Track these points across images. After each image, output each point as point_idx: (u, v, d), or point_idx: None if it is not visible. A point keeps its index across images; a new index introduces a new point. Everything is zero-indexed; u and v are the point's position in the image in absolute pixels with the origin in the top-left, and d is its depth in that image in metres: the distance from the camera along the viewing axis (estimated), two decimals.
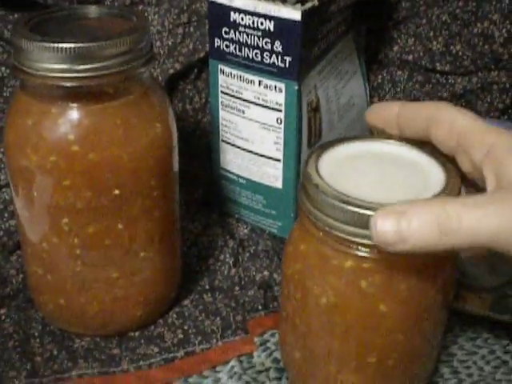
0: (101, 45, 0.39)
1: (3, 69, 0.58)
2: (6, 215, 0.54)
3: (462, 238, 0.31)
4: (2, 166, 0.56)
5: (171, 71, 0.57)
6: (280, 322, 0.42)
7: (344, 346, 0.37)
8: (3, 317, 0.48)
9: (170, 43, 0.57)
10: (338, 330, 0.37)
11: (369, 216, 0.33)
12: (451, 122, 0.36)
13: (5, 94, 0.58)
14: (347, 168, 0.37)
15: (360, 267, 0.35)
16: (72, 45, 0.38)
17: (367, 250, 0.35)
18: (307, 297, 0.37)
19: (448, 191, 0.35)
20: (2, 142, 0.54)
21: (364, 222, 0.33)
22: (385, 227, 0.32)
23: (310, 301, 0.37)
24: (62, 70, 0.39)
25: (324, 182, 0.35)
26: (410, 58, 0.62)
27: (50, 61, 0.39)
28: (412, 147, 0.39)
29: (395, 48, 0.63)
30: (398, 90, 0.63)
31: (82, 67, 0.39)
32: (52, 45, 0.38)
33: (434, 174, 0.37)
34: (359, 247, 0.35)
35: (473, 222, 0.31)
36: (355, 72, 0.60)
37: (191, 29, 0.57)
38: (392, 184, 0.36)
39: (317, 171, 0.36)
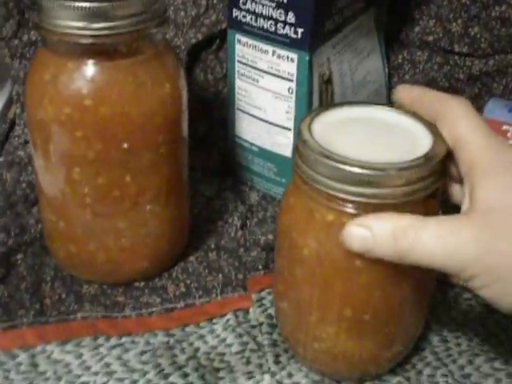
0: (116, 5, 0.41)
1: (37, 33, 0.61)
2: (29, 168, 0.57)
3: (416, 257, 0.34)
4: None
5: (193, 41, 0.59)
6: (274, 273, 0.44)
7: (323, 297, 0.39)
8: (19, 261, 0.51)
9: (193, 14, 0.59)
10: (318, 281, 0.39)
11: (349, 172, 0.35)
12: (452, 124, 0.37)
13: None
14: (339, 129, 0.39)
15: (340, 221, 0.37)
16: (88, 4, 0.41)
17: (348, 205, 0.36)
18: (293, 248, 0.39)
19: (432, 154, 0.36)
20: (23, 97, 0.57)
21: (346, 178, 0.35)
22: (353, 239, 0.36)
23: (295, 252, 0.39)
24: (79, 28, 0.41)
25: (313, 138, 0.37)
26: (431, 38, 0.63)
27: (68, 18, 0.41)
28: (404, 113, 0.40)
29: (416, 29, 0.63)
30: (417, 70, 0.64)
31: (97, 25, 0.41)
32: (70, 3, 0.41)
33: (422, 139, 0.38)
34: (340, 202, 0.36)
35: (427, 245, 0.34)
36: (373, 50, 0.61)
37: (214, 0, 0.59)
38: (380, 145, 0.38)
39: (309, 129, 0.38)
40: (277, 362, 0.45)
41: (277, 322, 0.46)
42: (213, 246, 0.54)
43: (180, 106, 0.46)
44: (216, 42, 0.61)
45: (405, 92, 0.41)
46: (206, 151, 0.61)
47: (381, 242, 0.35)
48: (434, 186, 0.37)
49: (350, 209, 0.37)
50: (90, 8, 0.41)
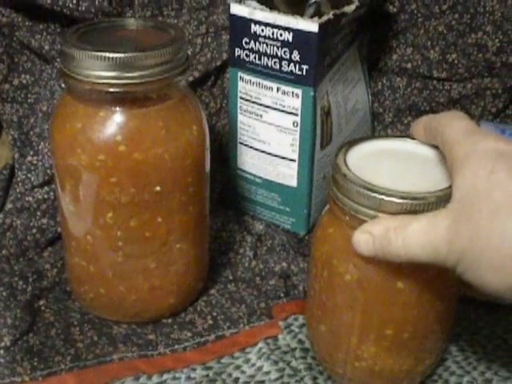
0: (146, 54, 0.43)
1: (28, 76, 0.61)
2: (38, 214, 0.57)
3: (410, 254, 0.37)
4: (32, 167, 0.59)
5: (190, 79, 0.61)
6: (308, 299, 0.46)
7: (364, 319, 0.42)
8: (43, 307, 0.52)
9: (189, 53, 0.61)
10: (359, 305, 0.42)
11: (389, 201, 0.38)
12: (441, 133, 0.40)
13: (29, 101, 0.62)
14: (371, 161, 0.42)
15: None
16: (121, 54, 0.42)
17: None
18: (333, 275, 0.42)
19: None
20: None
21: (384, 207, 0.38)
22: (359, 244, 0.39)
23: (335, 278, 0.42)
24: (110, 77, 0.43)
25: (351, 172, 0.40)
26: (409, 65, 0.67)
27: (100, 69, 0.43)
28: (427, 145, 0.43)
29: (394, 57, 0.67)
30: (398, 95, 0.68)
31: (128, 75, 0.43)
32: (102, 54, 0.42)
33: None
34: None
35: (415, 241, 0.37)
36: (359, 79, 0.65)
37: (209, 39, 0.61)
38: (412, 176, 0.41)
39: (345, 163, 0.41)
40: None
41: (311, 345, 0.48)
42: (230, 278, 0.55)
43: (205, 146, 0.48)
44: (211, 79, 0.63)
45: (416, 125, 0.44)
46: None
47: (379, 243, 0.38)
48: None
49: None
50: (122, 58, 0.42)
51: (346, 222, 0.41)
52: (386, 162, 0.42)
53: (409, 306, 0.41)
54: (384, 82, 0.69)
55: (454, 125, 0.39)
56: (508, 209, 0.34)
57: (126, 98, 0.44)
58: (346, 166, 0.41)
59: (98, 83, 0.43)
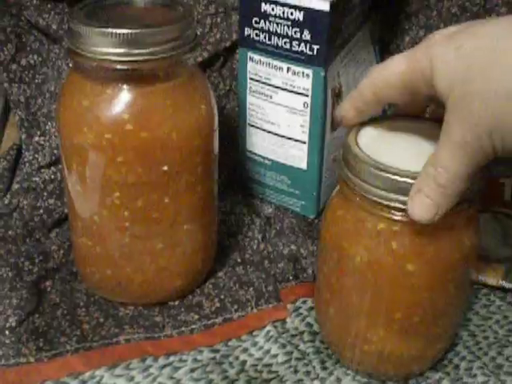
0: (154, 31, 0.42)
1: (35, 57, 0.61)
2: (45, 194, 0.57)
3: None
4: (40, 148, 0.59)
5: (199, 59, 0.60)
6: (317, 282, 0.46)
7: (374, 301, 0.41)
8: (49, 288, 0.51)
9: (198, 33, 0.60)
10: (369, 287, 0.41)
11: (401, 182, 0.37)
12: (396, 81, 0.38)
13: (37, 81, 0.61)
14: (382, 141, 0.41)
15: (391, 229, 0.39)
16: (128, 31, 0.41)
17: (399, 213, 0.38)
18: (343, 257, 0.41)
19: None
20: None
21: (397, 188, 0.38)
22: (421, 211, 0.37)
23: (345, 260, 0.41)
24: (118, 54, 0.42)
25: (363, 152, 0.39)
26: None
27: (107, 45, 0.42)
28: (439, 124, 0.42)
29: (407, 39, 0.66)
30: None
31: (136, 51, 0.42)
32: (109, 30, 0.41)
33: None
34: (391, 211, 0.39)
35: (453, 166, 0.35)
36: (371, 61, 0.64)
37: (218, 19, 0.60)
38: (423, 155, 0.40)
39: (356, 143, 0.40)
40: (324, 368, 0.46)
41: (320, 328, 0.47)
42: (239, 260, 0.55)
43: (214, 126, 0.47)
44: (220, 60, 0.62)
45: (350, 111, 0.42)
46: None
47: (437, 195, 0.36)
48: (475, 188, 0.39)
49: (400, 217, 0.39)
50: (129, 34, 0.41)
51: (357, 203, 0.40)
52: (397, 142, 0.41)
53: (419, 289, 0.41)
54: None
55: (389, 69, 0.39)
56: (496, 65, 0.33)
57: (133, 76, 0.43)
58: (358, 145, 0.40)
59: (105, 60, 0.42)
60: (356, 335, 0.43)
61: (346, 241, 0.41)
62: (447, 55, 0.35)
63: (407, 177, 0.37)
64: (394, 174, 0.38)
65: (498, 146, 0.34)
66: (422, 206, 0.37)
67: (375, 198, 0.39)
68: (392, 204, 0.38)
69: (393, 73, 0.38)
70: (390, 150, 0.40)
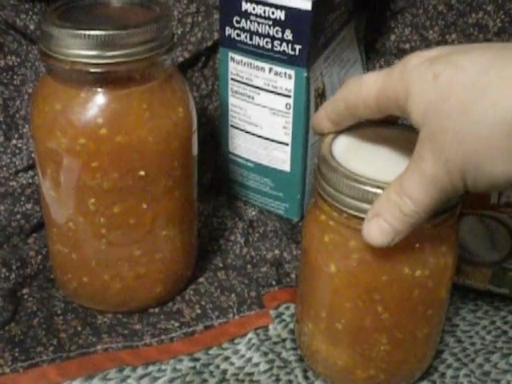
0: (129, 32, 0.41)
1: (13, 58, 0.59)
2: (22, 199, 0.56)
3: None
4: (17, 151, 0.57)
5: (180, 59, 0.59)
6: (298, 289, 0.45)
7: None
8: (26, 296, 0.50)
9: (179, 32, 0.59)
10: (337, 299, 0.40)
11: (376, 194, 0.36)
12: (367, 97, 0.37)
13: (15, 83, 0.60)
14: (357, 150, 0.40)
15: (364, 241, 0.37)
16: (101, 32, 0.40)
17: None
18: (315, 268, 0.40)
19: None
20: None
21: (371, 199, 0.36)
22: (376, 236, 0.36)
23: (315, 271, 0.40)
24: (91, 57, 0.41)
25: (336, 161, 0.38)
26: (407, 46, 0.64)
27: (80, 47, 0.40)
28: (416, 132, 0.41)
29: (392, 37, 0.65)
30: None
31: (110, 54, 0.41)
32: (82, 32, 0.40)
33: None
34: (361, 221, 0.37)
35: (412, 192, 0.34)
36: (356, 60, 0.63)
37: (199, 18, 0.59)
38: (399, 164, 0.38)
39: (330, 152, 0.39)
40: (306, 378, 0.45)
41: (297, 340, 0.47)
42: (220, 265, 0.54)
43: (192, 128, 0.46)
44: (201, 60, 0.60)
45: (324, 121, 0.41)
46: (198, 168, 0.61)
47: (393, 219, 0.35)
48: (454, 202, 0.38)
49: None
50: (103, 36, 0.40)
51: (329, 214, 0.39)
52: (372, 150, 0.40)
53: (390, 301, 0.39)
54: (382, 63, 0.66)
55: (363, 86, 0.37)
56: (473, 101, 0.31)
57: (107, 79, 0.42)
58: (331, 154, 0.39)
59: (78, 63, 0.41)
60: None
61: (316, 251, 0.40)
62: (424, 83, 0.33)
63: (381, 188, 0.36)
64: (367, 184, 0.36)
65: (470, 185, 0.33)
66: (380, 231, 0.35)
67: (346, 209, 0.37)
68: (363, 215, 0.37)
69: (367, 92, 0.37)
70: (363, 158, 0.39)
